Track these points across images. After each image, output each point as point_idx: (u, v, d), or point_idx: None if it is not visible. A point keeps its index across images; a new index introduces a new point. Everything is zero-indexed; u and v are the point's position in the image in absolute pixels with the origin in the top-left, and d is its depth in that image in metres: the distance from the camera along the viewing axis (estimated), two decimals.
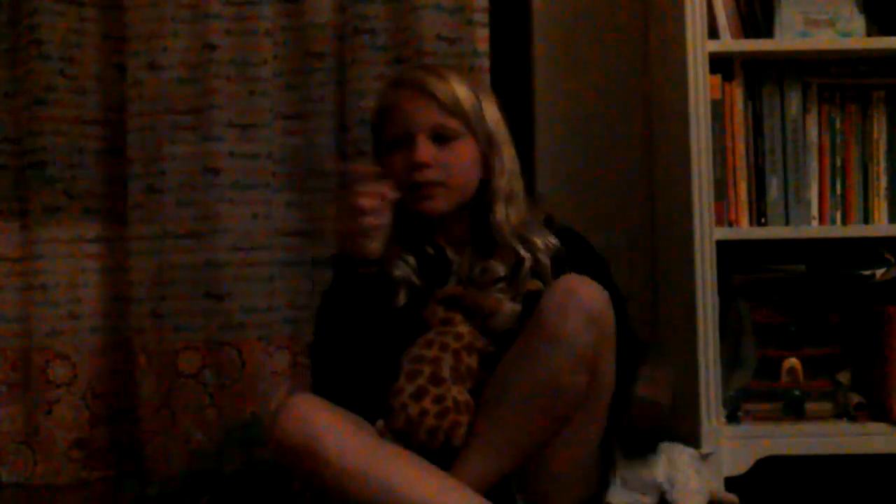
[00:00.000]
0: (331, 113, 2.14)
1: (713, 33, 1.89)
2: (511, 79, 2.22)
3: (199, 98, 2.11)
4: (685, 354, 1.89)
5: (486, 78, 2.08)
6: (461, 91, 1.60)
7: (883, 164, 1.95)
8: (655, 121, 2.17)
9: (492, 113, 1.64)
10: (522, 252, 1.58)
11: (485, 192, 1.63)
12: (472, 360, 1.52)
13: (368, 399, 1.49)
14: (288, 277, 2.14)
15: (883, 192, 1.95)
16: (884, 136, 1.96)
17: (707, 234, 1.85)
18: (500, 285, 1.58)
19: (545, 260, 1.58)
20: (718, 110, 1.90)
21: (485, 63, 2.10)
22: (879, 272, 1.95)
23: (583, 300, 1.40)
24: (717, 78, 1.90)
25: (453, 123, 1.60)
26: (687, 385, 1.89)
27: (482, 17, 2.10)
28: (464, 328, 1.53)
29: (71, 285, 2.14)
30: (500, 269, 1.58)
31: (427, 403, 1.47)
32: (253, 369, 2.11)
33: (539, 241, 1.59)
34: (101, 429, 2.15)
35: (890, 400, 1.91)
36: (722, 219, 1.90)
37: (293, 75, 2.16)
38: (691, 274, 1.85)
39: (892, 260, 1.95)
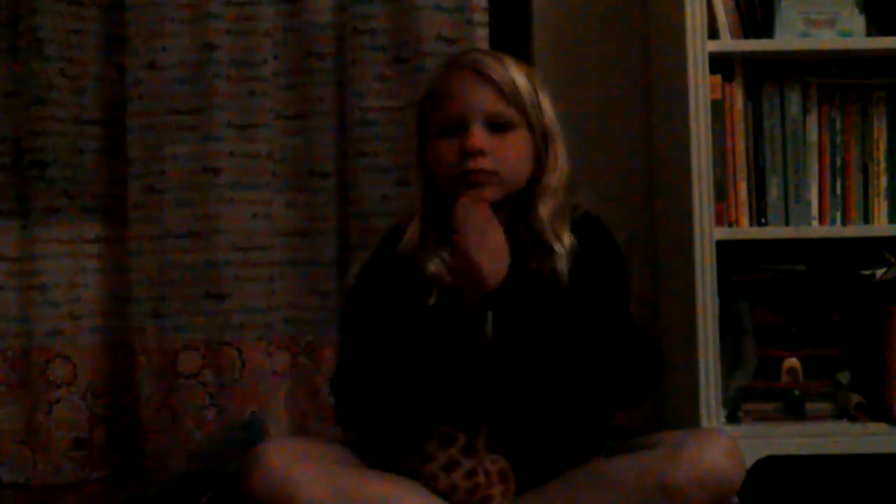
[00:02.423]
0: (331, 113, 2.14)
1: (713, 33, 1.89)
2: None
3: (199, 98, 2.11)
4: (685, 354, 1.89)
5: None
6: (520, 79, 1.53)
7: (883, 164, 1.95)
8: (655, 121, 2.17)
9: (547, 106, 1.57)
10: (557, 249, 1.50)
11: (531, 187, 1.55)
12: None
13: (397, 405, 1.44)
14: (288, 277, 2.14)
15: (883, 192, 1.95)
16: (884, 136, 1.96)
17: (707, 234, 1.85)
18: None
19: (562, 250, 1.52)
20: (718, 110, 1.90)
21: None
22: (879, 272, 1.95)
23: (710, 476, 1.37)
24: (717, 78, 1.90)
25: (510, 112, 1.52)
26: (687, 385, 1.89)
27: (482, 17, 2.11)
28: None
29: (71, 285, 2.14)
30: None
31: (458, 477, 1.42)
32: (253, 369, 2.11)
33: (565, 238, 1.53)
34: (101, 429, 2.15)
35: (890, 400, 1.91)
36: (722, 219, 1.90)
37: (293, 75, 2.16)
38: (691, 274, 1.85)
39: (893, 260, 1.95)
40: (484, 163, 1.50)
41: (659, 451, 1.40)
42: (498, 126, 1.52)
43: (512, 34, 2.24)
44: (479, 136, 1.49)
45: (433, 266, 1.50)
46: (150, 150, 2.12)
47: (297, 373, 2.14)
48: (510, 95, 1.51)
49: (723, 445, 1.39)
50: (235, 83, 2.12)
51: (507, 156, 1.52)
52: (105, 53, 2.17)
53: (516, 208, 1.56)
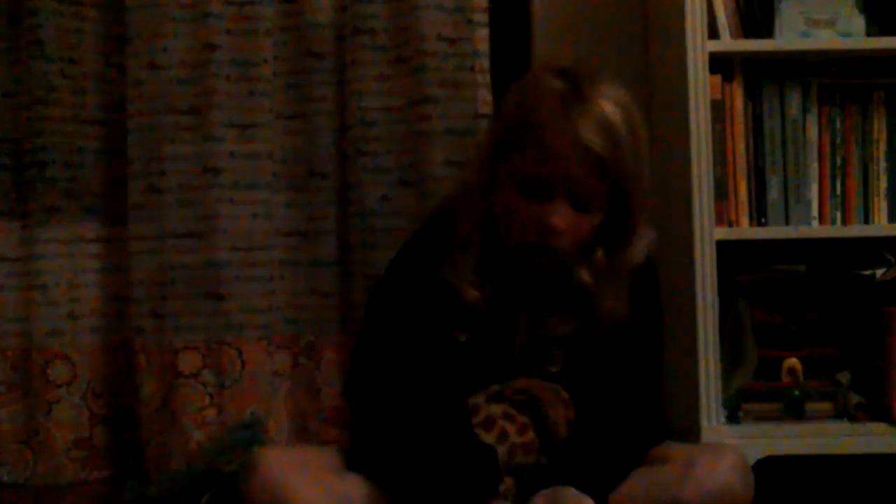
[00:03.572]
0: (331, 113, 2.14)
1: (713, 33, 1.89)
2: (511, 79, 2.21)
3: (199, 98, 2.11)
4: (685, 354, 1.89)
5: (486, 78, 2.08)
6: (629, 163, 1.40)
7: (883, 164, 1.95)
8: (655, 121, 2.17)
9: (637, 163, 1.43)
10: (602, 308, 1.46)
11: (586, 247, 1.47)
12: (527, 459, 1.45)
13: (414, 435, 1.42)
14: (288, 277, 2.14)
15: (883, 192, 1.95)
16: (884, 136, 1.96)
17: (707, 234, 1.85)
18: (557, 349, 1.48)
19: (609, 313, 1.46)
20: (718, 110, 1.90)
21: (485, 63, 2.10)
22: (879, 272, 1.95)
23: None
24: (717, 78, 1.90)
25: (598, 190, 1.40)
26: (687, 385, 1.89)
27: (482, 17, 2.10)
28: (529, 422, 1.45)
29: (71, 285, 2.14)
30: (564, 329, 1.47)
31: None
32: (253, 369, 2.10)
33: (612, 295, 1.47)
34: (101, 429, 2.15)
35: (890, 400, 1.91)
36: (722, 219, 1.90)
37: (293, 75, 2.15)
38: (691, 274, 1.85)
39: (893, 260, 1.95)
40: (559, 242, 1.43)
41: (671, 468, 1.40)
42: (581, 205, 1.42)
43: (512, 34, 2.24)
44: (562, 217, 1.40)
45: (471, 297, 1.45)
46: (150, 150, 2.12)
47: (297, 373, 2.14)
48: (602, 173, 1.39)
49: (733, 462, 1.39)
50: (235, 83, 2.11)
51: (581, 236, 1.45)
52: (105, 53, 2.17)
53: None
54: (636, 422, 1.47)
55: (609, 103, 1.40)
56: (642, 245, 1.51)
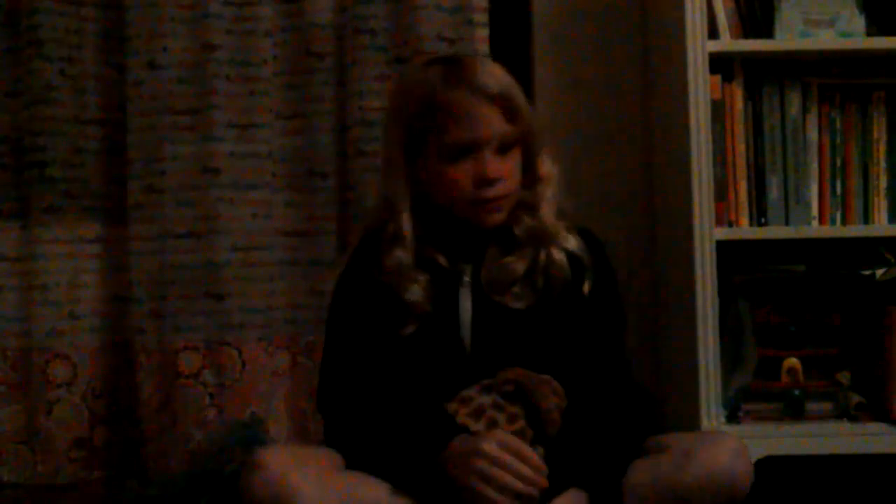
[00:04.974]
0: (331, 113, 2.14)
1: (713, 33, 1.89)
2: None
3: (199, 98, 2.11)
4: (685, 354, 1.89)
5: None
6: (518, 93, 1.50)
7: (883, 164, 1.95)
8: (655, 121, 2.17)
9: (529, 111, 1.53)
10: (544, 252, 1.51)
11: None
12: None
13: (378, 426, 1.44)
14: (288, 277, 2.14)
15: (883, 192, 1.95)
16: (884, 136, 1.96)
17: (707, 234, 1.85)
18: (517, 287, 1.50)
19: (560, 256, 1.52)
20: (718, 110, 1.90)
21: None
22: (879, 272, 1.95)
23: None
24: (717, 78, 1.90)
25: (514, 131, 1.49)
26: (687, 385, 1.89)
27: (482, 17, 2.11)
28: (520, 412, 1.43)
29: (71, 285, 2.14)
30: (519, 267, 1.51)
31: None
32: (253, 369, 2.11)
33: (561, 239, 1.52)
34: (101, 429, 2.15)
35: (890, 400, 1.91)
36: (722, 219, 1.90)
37: (293, 75, 2.16)
38: (691, 274, 1.85)
39: (893, 260, 1.95)
40: (500, 188, 1.48)
41: (669, 456, 1.40)
42: (504, 147, 1.49)
43: (512, 34, 2.24)
44: (495, 165, 1.47)
45: (411, 295, 1.49)
46: (150, 150, 2.12)
47: (297, 373, 2.14)
48: (514, 114, 1.49)
49: (732, 449, 1.39)
50: (235, 83, 2.12)
51: (514, 174, 1.51)
52: (105, 53, 2.17)
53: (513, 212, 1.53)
54: (609, 387, 1.48)
55: (482, 58, 1.60)
56: (555, 168, 1.57)
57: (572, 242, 1.53)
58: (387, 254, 1.51)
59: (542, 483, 1.32)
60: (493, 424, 1.41)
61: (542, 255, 1.51)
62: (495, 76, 1.50)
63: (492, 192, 1.48)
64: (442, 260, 1.52)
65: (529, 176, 1.54)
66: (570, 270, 1.52)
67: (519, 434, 1.41)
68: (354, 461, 1.43)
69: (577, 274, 1.52)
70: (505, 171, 1.49)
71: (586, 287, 1.52)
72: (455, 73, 1.50)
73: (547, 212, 1.53)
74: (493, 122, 1.47)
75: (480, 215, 1.50)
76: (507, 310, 1.50)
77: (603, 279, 1.54)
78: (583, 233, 1.57)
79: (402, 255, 1.51)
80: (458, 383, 1.46)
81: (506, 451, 1.32)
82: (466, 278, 1.53)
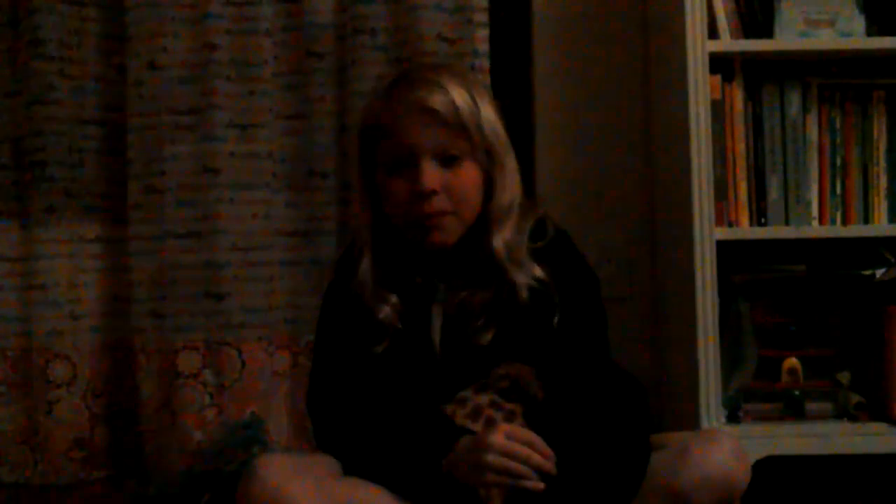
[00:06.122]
0: (331, 113, 2.14)
1: (713, 33, 1.89)
2: (511, 79, 2.22)
3: (199, 98, 2.11)
4: (685, 354, 1.89)
5: (486, 78, 2.08)
6: (463, 102, 1.43)
7: (883, 164, 1.95)
8: (655, 121, 2.17)
9: (491, 120, 1.47)
10: (513, 277, 1.44)
11: (483, 213, 1.47)
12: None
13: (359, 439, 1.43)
14: (288, 277, 2.14)
15: (883, 192, 1.95)
16: (884, 136, 1.96)
17: (707, 234, 1.85)
18: (480, 321, 1.44)
19: (523, 283, 1.44)
20: (718, 110, 1.90)
21: (485, 63, 2.10)
22: (879, 272, 1.95)
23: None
24: (717, 78, 1.90)
25: (459, 143, 1.43)
26: (687, 385, 1.89)
27: (482, 17, 2.11)
28: (518, 409, 1.42)
29: (71, 285, 2.14)
30: (478, 301, 1.45)
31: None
32: (253, 369, 2.11)
33: (526, 267, 1.46)
34: (101, 429, 2.15)
35: (890, 400, 1.91)
36: (722, 219, 1.90)
37: (293, 75, 2.16)
38: (691, 274, 1.85)
39: (892, 260, 1.95)
40: (439, 204, 1.43)
41: (666, 454, 1.40)
42: (448, 160, 1.43)
43: (512, 34, 2.24)
44: (430, 176, 1.41)
45: (383, 314, 1.46)
46: (150, 150, 2.12)
47: (297, 373, 2.14)
48: (456, 126, 1.42)
49: (728, 447, 1.39)
50: (235, 83, 2.12)
51: (462, 190, 1.44)
52: (105, 53, 2.17)
53: (472, 236, 1.47)
54: (589, 387, 1.43)
55: (434, 72, 1.48)
56: (515, 182, 1.50)
57: (536, 271, 1.46)
58: (354, 275, 1.49)
59: (553, 470, 1.31)
60: (491, 423, 1.41)
61: (505, 288, 1.45)
62: (437, 88, 1.43)
63: (427, 207, 1.42)
64: (415, 277, 1.49)
65: (494, 199, 1.47)
66: (532, 302, 1.45)
67: None
68: (350, 466, 1.42)
69: (545, 302, 1.45)
70: (448, 182, 1.43)
71: (555, 320, 1.45)
72: (396, 88, 1.47)
73: (507, 239, 1.46)
74: (430, 135, 1.42)
75: (421, 235, 1.45)
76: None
77: (575, 290, 1.48)
78: (554, 243, 1.50)
79: (367, 276, 1.48)
80: (432, 398, 1.44)
81: (515, 442, 1.31)
82: (440, 295, 1.48)
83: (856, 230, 1.93)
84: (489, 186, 1.48)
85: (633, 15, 2.22)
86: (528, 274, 1.46)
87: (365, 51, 2.11)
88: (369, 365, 1.47)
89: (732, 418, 1.92)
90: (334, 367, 1.51)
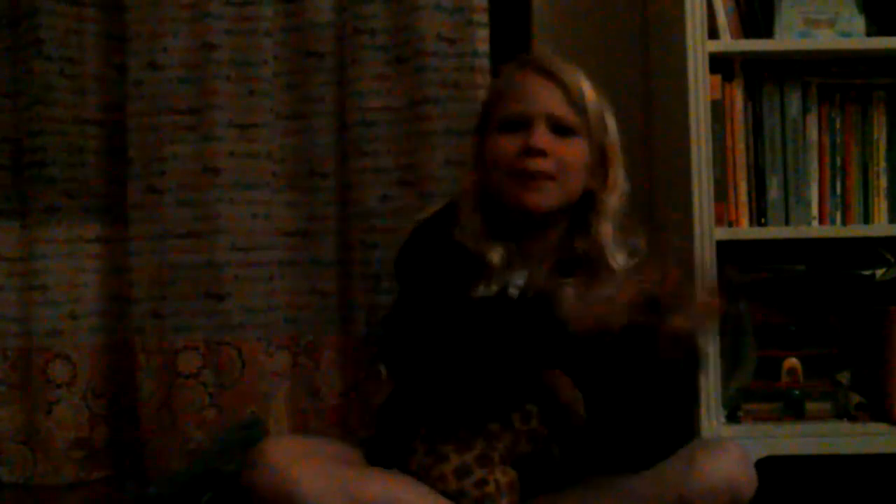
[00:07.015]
0: (331, 113, 2.14)
1: (713, 33, 1.89)
2: None
3: (199, 98, 2.11)
4: None
5: (486, 79, 2.08)
6: (588, 89, 1.51)
7: (883, 164, 1.95)
8: (655, 121, 2.17)
9: (612, 125, 1.54)
10: (617, 277, 1.46)
11: (586, 205, 1.52)
12: (531, 447, 1.45)
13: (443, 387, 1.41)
14: (288, 277, 2.14)
15: (883, 192, 1.95)
16: (884, 136, 1.96)
17: (707, 234, 1.85)
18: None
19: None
20: (718, 110, 1.90)
21: (485, 63, 2.10)
22: (879, 272, 1.95)
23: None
24: (717, 78, 1.90)
25: (575, 118, 1.48)
26: None
27: (482, 17, 2.10)
28: (534, 410, 1.44)
29: (71, 285, 2.14)
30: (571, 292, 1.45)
31: (469, 485, 1.41)
32: (253, 369, 2.11)
33: (616, 259, 1.49)
34: (101, 429, 2.15)
35: (890, 400, 1.91)
36: (722, 219, 1.90)
37: (293, 75, 2.15)
38: (691, 274, 1.84)
39: (892, 260, 1.95)
40: (544, 164, 1.47)
41: (675, 463, 1.40)
42: (561, 129, 1.48)
43: (512, 34, 2.24)
44: (542, 136, 1.46)
45: (497, 258, 1.47)
46: (150, 150, 2.12)
47: (297, 373, 2.14)
48: (577, 101, 1.48)
49: (735, 456, 1.40)
50: (235, 83, 2.12)
51: (568, 161, 1.48)
52: (105, 53, 2.17)
53: (574, 224, 1.52)
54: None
55: (574, 65, 1.55)
56: (626, 189, 1.55)
57: (621, 261, 1.50)
58: (457, 227, 1.50)
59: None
60: (508, 424, 1.41)
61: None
62: (567, 65, 1.51)
63: (534, 165, 1.46)
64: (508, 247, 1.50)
65: (598, 181, 1.52)
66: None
67: (532, 434, 1.41)
68: (454, 361, 1.38)
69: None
70: (557, 149, 1.47)
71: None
72: (526, 57, 1.56)
73: (605, 230, 1.50)
74: (550, 99, 1.48)
75: (520, 191, 1.47)
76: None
77: None
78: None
79: (477, 225, 1.50)
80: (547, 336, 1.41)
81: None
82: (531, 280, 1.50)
83: (856, 230, 1.93)
84: (594, 180, 1.52)
85: (633, 15, 2.22)
86: (616, 265, 1.48)
87: (365, 51, 2.11)
88: (470, 306, 1.45)
89: (732, 418, 1.92)
90: (437, 302, 1.47)
